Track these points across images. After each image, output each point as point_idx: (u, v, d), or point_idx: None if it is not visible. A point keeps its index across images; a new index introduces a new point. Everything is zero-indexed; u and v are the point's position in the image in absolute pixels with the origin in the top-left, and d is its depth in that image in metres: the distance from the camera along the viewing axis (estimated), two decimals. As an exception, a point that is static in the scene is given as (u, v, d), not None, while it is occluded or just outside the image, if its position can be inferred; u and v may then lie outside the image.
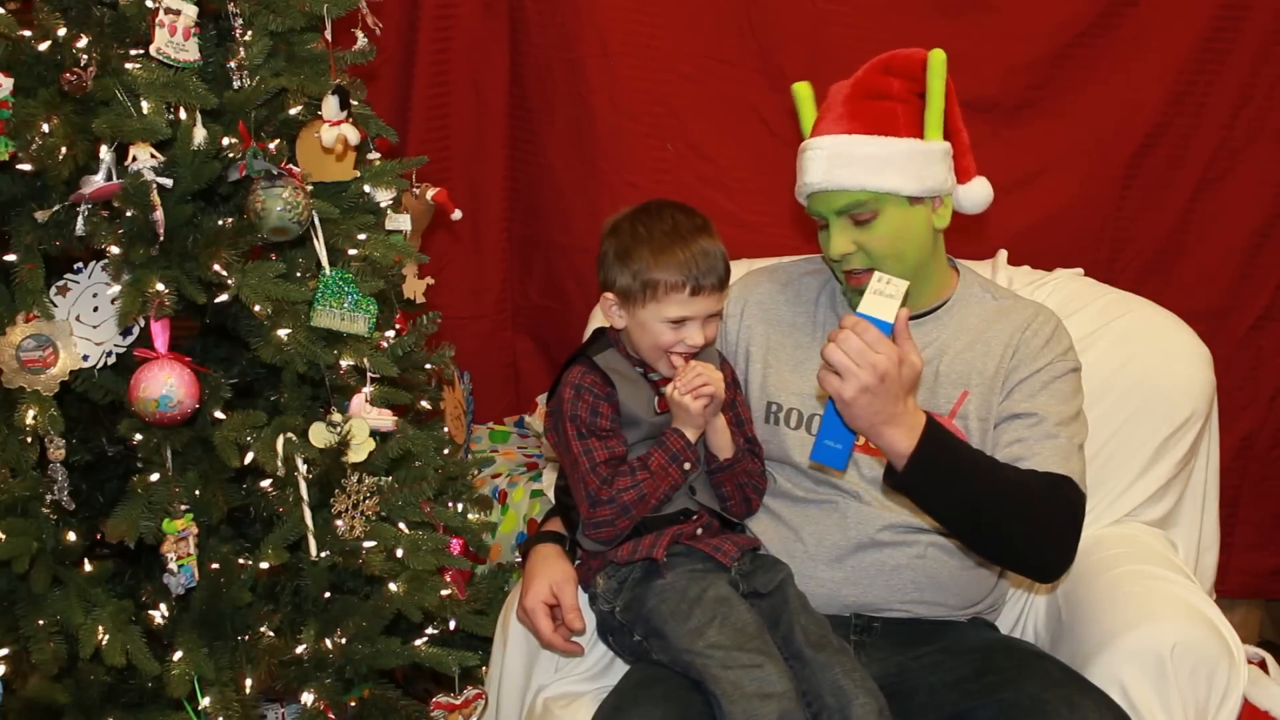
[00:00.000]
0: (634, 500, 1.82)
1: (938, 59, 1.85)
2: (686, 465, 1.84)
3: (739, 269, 2.38)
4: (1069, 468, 1.78)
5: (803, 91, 1.97)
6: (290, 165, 1.91)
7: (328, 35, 1.96)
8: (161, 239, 1.80)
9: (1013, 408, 1.84)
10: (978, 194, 1.93)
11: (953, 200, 1.93)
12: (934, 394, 1.88)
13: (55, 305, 1.89)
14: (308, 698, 1.97)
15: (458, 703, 2.05)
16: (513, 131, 3.01)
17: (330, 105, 1.92)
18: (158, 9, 1.80)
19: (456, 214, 2.39)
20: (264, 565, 1.96)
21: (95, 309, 1.92)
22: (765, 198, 2.90)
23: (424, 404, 2.18)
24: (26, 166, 1.81)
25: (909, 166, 1.84)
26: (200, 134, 1.85)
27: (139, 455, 1.94)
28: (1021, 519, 1.73)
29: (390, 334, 2.04)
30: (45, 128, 1.78)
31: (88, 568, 1.96)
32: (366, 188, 2.07)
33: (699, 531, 1.87)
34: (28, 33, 1.82)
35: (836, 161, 1.84)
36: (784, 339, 1.98)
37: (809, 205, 1.91)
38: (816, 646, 1.74)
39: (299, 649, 1.96)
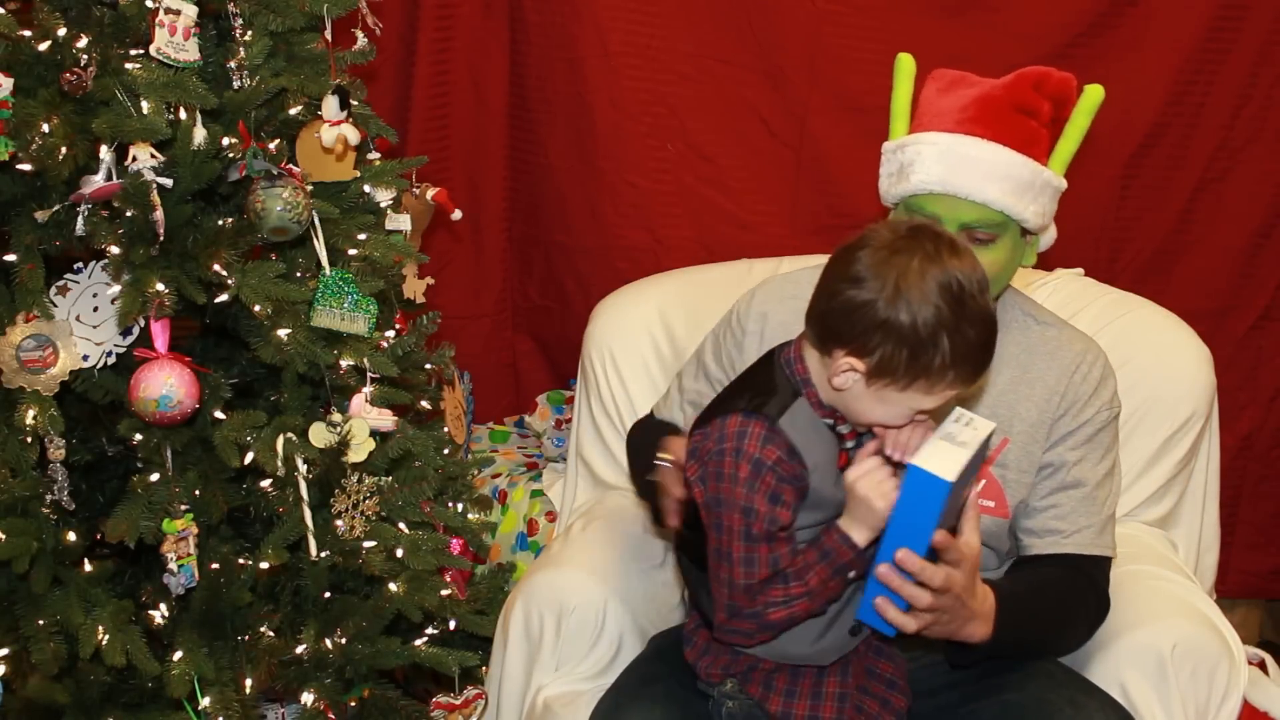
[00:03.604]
0: (782, 620, 1.49)
1: (1095, 96, 1.72)
2: (851, 574, 1.50)
3: (738, 269, 2.40)
4: (1101, 543, 1.75)
5: (906, 64, 1.81)
6: (290, 165, 1.91)
7: (328, 35, 1.96)
8: (161, 239, 1.80)
9: (1054, 459, 1.76)
10: (1048, 236, 1.81)
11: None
12: None
13: (55, 305, 1.89)
14: (308, 698, 1.97)
15: (458, 703, 2.05)
16: (513, 131, 3.01)
17: (330, 105, 1.92)
18: (158, 9, 1.80)
19: (456, 214, 2.39)
20: (264, 565, 1.96)
21: (95, 309, 1.92)
22: (765, 198, 2.90)
23: (424, 404, 2.18)
24: (26, 166, 1.81)
25: (1041, 198, 1.69)
26: (200, 134, 1.85)
27: (139, 455, 1.94)
28: (1062, 639, 1.75)
29: (390, 334, 2.04)
30: (45, 128, 1.78)
31: (88, 568, 1.96)
32: (366, 188, 2.07)
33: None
34: (28, 33, 1.82)
35: (978, 168, 1.65)
36: None
37: (920, 205, 1.70)
38: None
39: (299, 649, 1.96)
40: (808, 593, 1.47)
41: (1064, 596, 1.72)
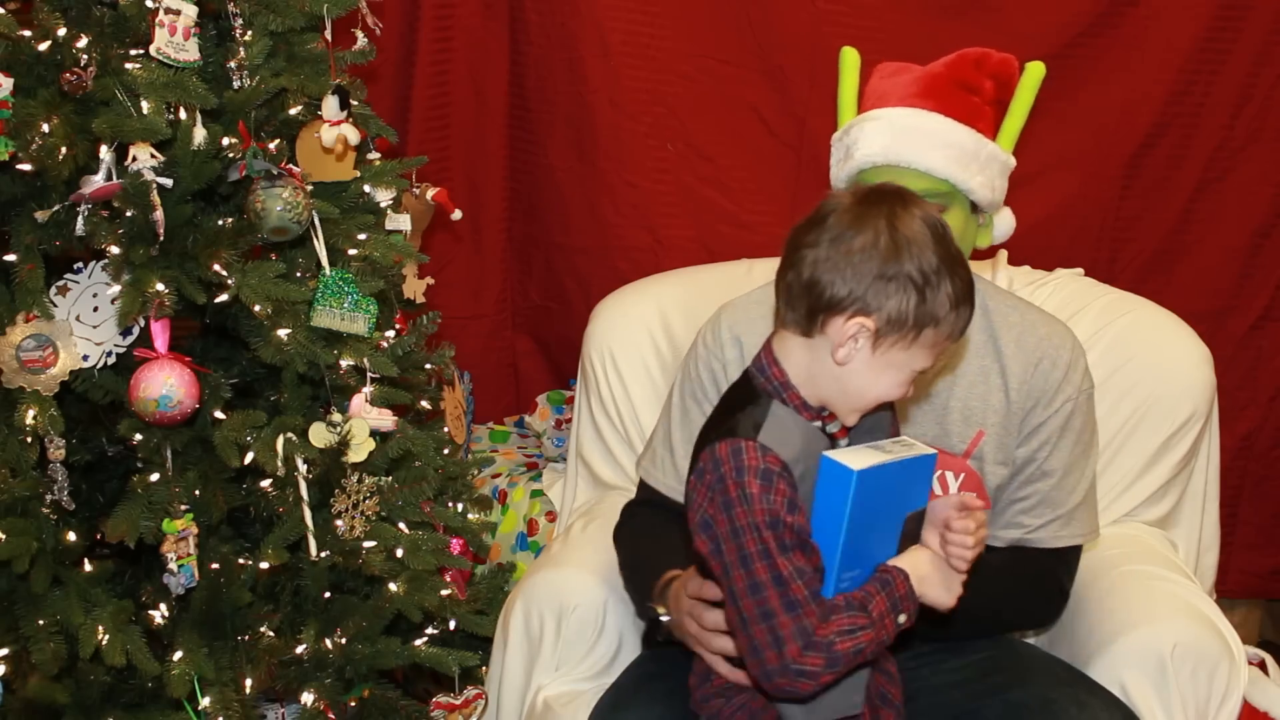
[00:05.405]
0: (848, 654, 1.37)
1: (1036, 73, 1.77)
2: (902, 618, 1.42)
3: (738, 269, 2.39)
4: (1066, 534, 1.76)
5: (851, 57, 1.85)
6: (290, 165, 1.91)
7: (328, 35, 1.96)
8: (161, 239, 1.80)
9: (1026, 454, 1.76)
10: (1005, 224, 1.83)
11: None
12: (945, 430, 1.77)
13: (55, 305, 1.89)
14: (308, 698, 1.97)
15: (458, 703, 2.05)
16: (513, 131, 3.01)
17: (330, 105, 1.92)
18: (158, 9, 1.80)
19: (456, 214, 2.39)
20: (264, 565, 1.96)
21: (95, 309, 1.92)
22: (765, 198, 2.90)
23: (424, 404, 2.18)
24: (26, 166, 1.81)
25: (988, 171, 1.72)
26: (200, 134, 1.85)
27: (139, 455, 1.94)
28: (1003, 621, 1.80)
29: (390, 334, 2.04)
30: (45, 128, 1.79)
31: (88, 568, 1.96)
32: (366, 188, 2.07)
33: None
34: (28, 33, 1.82)
35: (920, 137, 1.68)
36: None
37: (868, 180, 1.69)
38: None
39: (299, 649, 1.96)
40: (871, 623, 1.37)
41: (1000, 577, 1.71)
